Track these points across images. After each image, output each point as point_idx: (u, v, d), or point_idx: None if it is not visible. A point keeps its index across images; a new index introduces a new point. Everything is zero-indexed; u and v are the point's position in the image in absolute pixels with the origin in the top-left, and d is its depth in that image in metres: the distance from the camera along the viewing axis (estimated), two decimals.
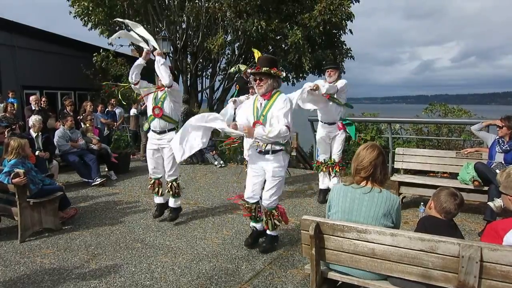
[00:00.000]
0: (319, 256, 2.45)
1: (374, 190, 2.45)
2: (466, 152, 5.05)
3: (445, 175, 5.84)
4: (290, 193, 6.16)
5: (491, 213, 4.00)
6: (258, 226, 3.93)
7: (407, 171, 5.81)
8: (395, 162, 5.65)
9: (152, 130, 4.65)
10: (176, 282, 3.26)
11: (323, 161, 5.55)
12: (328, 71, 5.29)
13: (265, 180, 3.76)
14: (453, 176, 5.24)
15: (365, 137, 7.55)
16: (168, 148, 4.48)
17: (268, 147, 3.59)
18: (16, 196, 4.13)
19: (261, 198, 3.79)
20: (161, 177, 4.79)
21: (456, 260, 2.03)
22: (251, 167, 3.81)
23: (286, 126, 3.45)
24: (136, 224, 4.69)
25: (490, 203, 3.63)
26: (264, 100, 3.61)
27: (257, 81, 3.55)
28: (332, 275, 2.51)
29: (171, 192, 4.72)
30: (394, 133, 7.91)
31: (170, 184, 4.70)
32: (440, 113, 8.28)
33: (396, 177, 5.27)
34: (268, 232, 3.85)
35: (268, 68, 3.49)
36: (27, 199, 4.22)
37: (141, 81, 4.68)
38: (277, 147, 3.61)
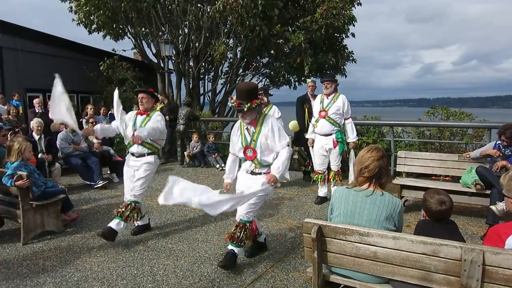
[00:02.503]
0: (321, 259, 2.45)
1: (376, 193, 2.45)
2: (468, 156, 5.05)
3: (447, 178, 5.83)
4: (291, 195, 6.16)
5: (494, 217, 4.00)
6: (237, 250, 3.55)
7: (409, 174, 5.80)
8: (397, 165, 5.65)
9: (131, 153, 4.36)
10: (178, 285, 3.26)
11: (320, 172, 5.61)
12: (324, 84, 5.52)
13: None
14: (455, 179, 5.24)
15: (367, 140, 7.55)
16: (144, 169, 4.27)
17: (261, 170, 3.51)
18: (19, 199, 4.15)
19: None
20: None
21: (458, 264, 2.03)
22: (240, 188, 3.58)
23: (287, 145, 3.46)
24: None
25: (492, 207, 3.63)
26: (252, 127, 3.51)
27: (240, 113, 3.44)
28: (334, 278, 2.51)
29: (125, 213, 4.16)
30: (396, 136, 7.91)
31: (129, 204, 4.22)
32: (442, 116, 8.28)
33: (398, 180, 5.27)
34: (230, 246, 3.53)
35: (249, 105, 3.35)
36: (30, 202, 4.24)
37: (117, 121, 4.19)
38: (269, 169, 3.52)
